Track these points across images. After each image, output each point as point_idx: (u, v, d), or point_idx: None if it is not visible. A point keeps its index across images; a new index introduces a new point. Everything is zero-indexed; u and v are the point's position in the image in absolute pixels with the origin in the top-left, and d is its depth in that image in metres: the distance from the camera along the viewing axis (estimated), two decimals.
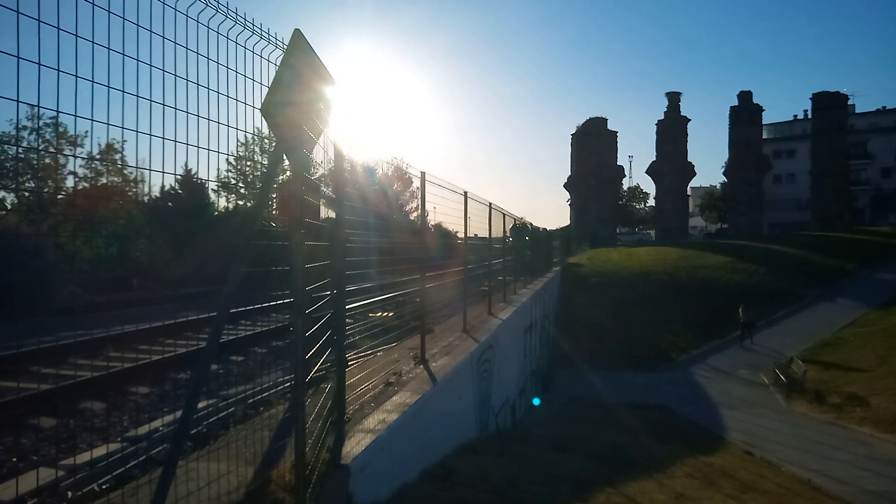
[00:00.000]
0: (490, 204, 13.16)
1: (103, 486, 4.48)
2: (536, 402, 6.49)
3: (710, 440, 16.26)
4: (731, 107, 63.23)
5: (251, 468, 4.28)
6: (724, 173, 66.46)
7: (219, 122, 3.03)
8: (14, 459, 5.59)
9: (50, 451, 5.81)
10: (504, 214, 15.62)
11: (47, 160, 21.22)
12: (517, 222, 18.71)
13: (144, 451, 5.23)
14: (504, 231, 15.89)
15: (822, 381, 21.57)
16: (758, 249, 44.44)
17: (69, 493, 4.38)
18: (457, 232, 11.83)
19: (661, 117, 65.07)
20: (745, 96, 62.69)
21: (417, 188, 7.95)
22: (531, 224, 24.33)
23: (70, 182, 19.77)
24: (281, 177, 4.63)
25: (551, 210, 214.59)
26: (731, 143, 63.17)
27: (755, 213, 61.57)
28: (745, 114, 62.14)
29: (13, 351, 8.41)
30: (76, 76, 2.32)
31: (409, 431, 5.73)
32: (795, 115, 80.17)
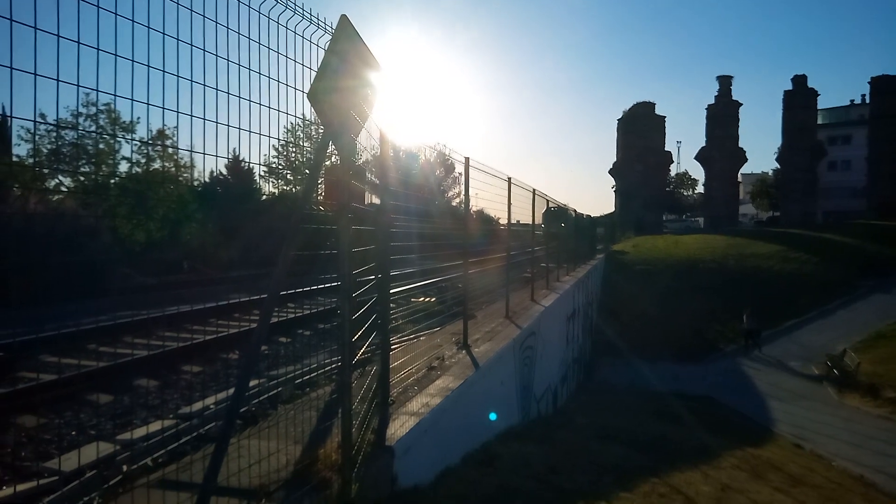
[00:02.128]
0: (534, 190, 13.04)
1: (158, 461, 4.64)
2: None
3: (757, 432, 15.90)
4: (785, 91, 61.03)
5: (299, 447, 4.37)
6: (777, 159, 64.45)
7: (269, 107, 3.07)
8: (73, 433, 5.84)
9: (106, 426, 6.05)
10: (547, 201, 15.47)
11: (102, 146, 21.93)
12: (553, 207, 17.34)
13: (196, 427, 5.38)
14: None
15: (876, 374, 20.82)
16: (810, 238, 42.99)
17: (124, 467, 4.54)
18: (499, 218, 11.77)
19: (712, 101, 63.28)
20: (799, 80, 60.41)
21: (460, 174, 7.95)
22: (575, 210, 23.93)
23: (124, 167, 20.39)
24: (327, 162, 4.67)
25: (596, 197, 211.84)
26: (784, 129, 61.04)
27: (809, 200, 59.50)
28: (799, 98, 59.89)
29: (73, 329, 8.77)
30: (133, 60, 2.38)
31: (452, 415, 5.76)
32: (852, 100, 76.88)
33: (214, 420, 5.58)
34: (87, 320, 10.13)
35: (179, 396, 7.10)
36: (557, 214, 18.46)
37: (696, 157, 64.58)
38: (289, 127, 4.15)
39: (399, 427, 4.70)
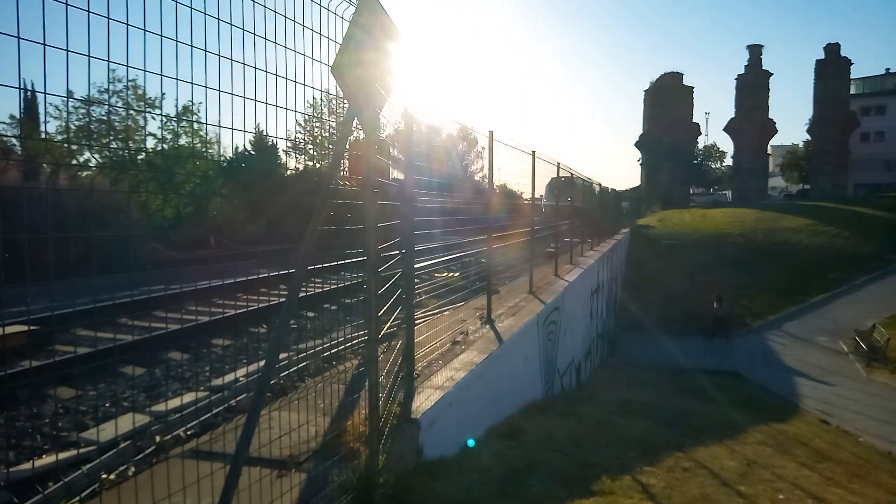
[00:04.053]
0: (558, 164, 12.93)
1: (188, 432, 4.76)
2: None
3: (783, 408, 15.79)
4: (817, 60, 59.48)
5: (327, 419, 4.44)
6: (808, 131, 62.92)
7: (295, 81, 3.06)
8: (108, 405, 6.00)
9: (140, 397, 6.20)
10: (572, 174, 15.31)
11: (129, 122, 22.18)
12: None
13: (226, 399, 5.50)
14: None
15: None
16: (841, 211, 42.13)
17: (158, 437, 4.66)
18: (522, 192, 11.69)
19: (742, 71, 61.81)
20: (832, 49, 58.70)
21: (483, 148, 7.89)
22: (599, 184, 23.51)
23: (150, 143, 20.64)
24: (351, 136, 4.67)
25: (622, 170, 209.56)
26: (815, 99, 59.56)
27: (840, 173, 58.19)
28: (831, 67, 58.26)
29: (109, 302, 8.94)
30: (161, 35, 2.39)
31: (476, 389, 5.80)
32: (888, 69, 73.98)
33: (244, 392, 5.69)
34: (121, 294, 10.32)
35: (210, 369, 7.25)
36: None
37: (725, 129, 63.32)
38: (312, 102, 4.15)
39: (424, 400, 4.75)
